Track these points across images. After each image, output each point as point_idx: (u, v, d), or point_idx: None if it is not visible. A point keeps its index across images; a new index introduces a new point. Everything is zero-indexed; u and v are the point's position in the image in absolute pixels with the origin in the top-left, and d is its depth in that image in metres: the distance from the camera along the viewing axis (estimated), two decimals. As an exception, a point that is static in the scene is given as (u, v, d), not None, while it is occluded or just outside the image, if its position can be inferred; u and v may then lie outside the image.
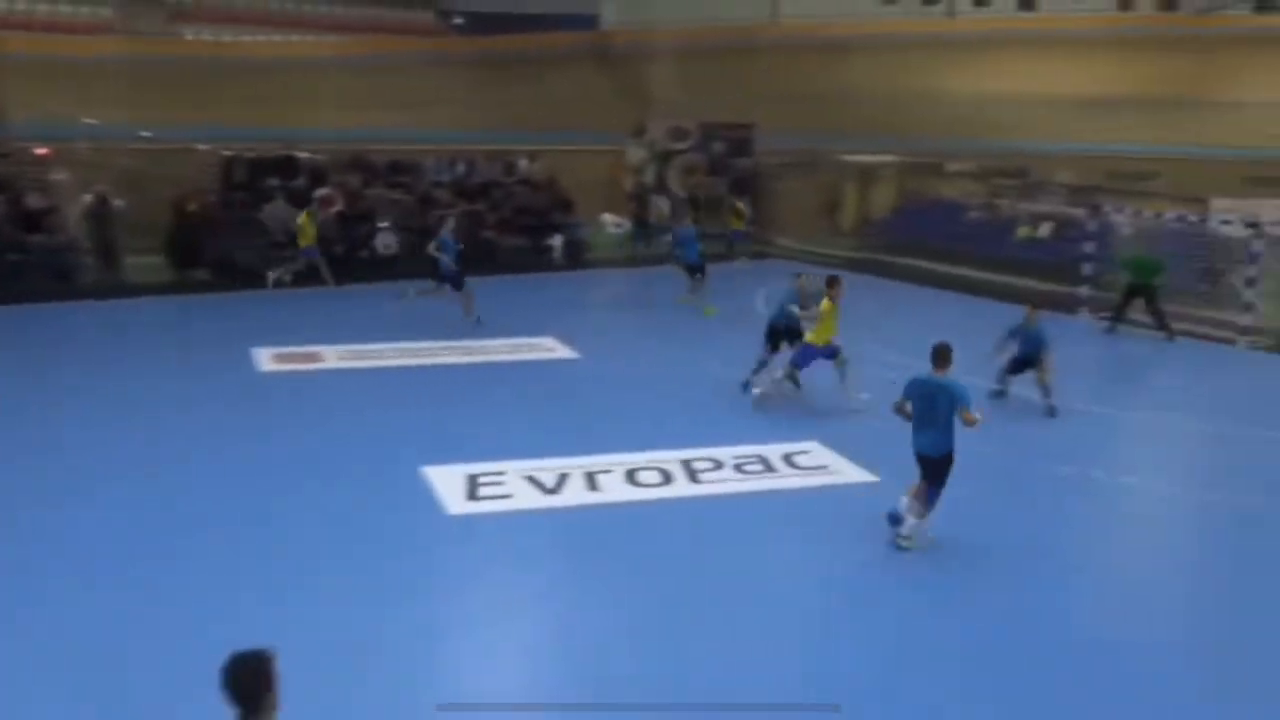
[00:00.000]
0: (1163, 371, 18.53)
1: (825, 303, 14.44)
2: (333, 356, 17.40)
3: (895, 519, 10.29)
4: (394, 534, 10.43)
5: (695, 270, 21.73)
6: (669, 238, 30.17)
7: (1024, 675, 8.19)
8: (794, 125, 32.53)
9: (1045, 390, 14.65)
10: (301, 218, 22.92)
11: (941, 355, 10.04)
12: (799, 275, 16.03)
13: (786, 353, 15.24)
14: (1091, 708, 7.74)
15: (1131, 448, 14.18)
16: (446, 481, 11.69)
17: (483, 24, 40.24)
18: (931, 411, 9.95)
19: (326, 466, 12.22)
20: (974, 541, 10.62)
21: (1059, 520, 11.27)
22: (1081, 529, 11.15)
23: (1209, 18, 37.89)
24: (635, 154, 30.99)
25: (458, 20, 41.33)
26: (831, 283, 14.54)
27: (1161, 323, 19.67)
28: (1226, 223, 20.95)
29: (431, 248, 20.08)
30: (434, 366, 16.99)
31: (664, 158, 30.99)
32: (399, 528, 10.59)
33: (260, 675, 4.20)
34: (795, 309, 15.26)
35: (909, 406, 10.13)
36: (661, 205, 30.61)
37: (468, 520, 10.86)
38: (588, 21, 40.57)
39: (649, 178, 30.83)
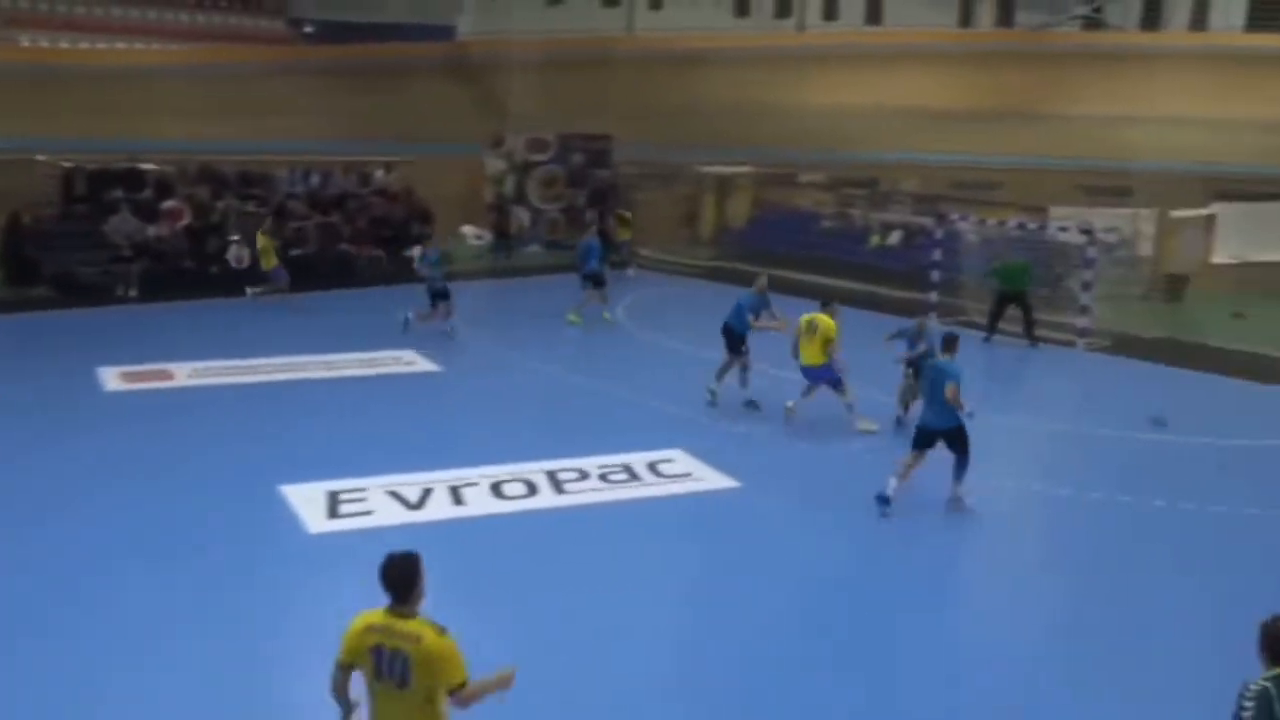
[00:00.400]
0: (1010, 374, 19.24)
1: (829, 321, 14.24)
2: (184, 374, 16.80)
3: (883, 499, 11.41)
4: (251, 556, 10.13)
5: (595, 280, 21.23)
6: (532, 248, 30.22)
7: (886, 680, 8.40)
8: (652, 137, 32.79)
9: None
10: (261, 241, 22.15)
11: (950, 343, 11.55)
12: (760, 276, 16.20)
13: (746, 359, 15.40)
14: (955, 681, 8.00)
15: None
16: (306, 500, 11.42)
17: (335, 33, 39.57)
18: (937, 391, 11.30)
19: (178, 489, 11.79)
20: (825, 533, 10.88)
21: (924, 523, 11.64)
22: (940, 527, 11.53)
23: (1043, 34, 39.57)
24: (494, 165, 30.88)
25: (308, 29, 40.55)
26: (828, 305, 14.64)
27: (1028, 330, 20.12)
28: (1064, 230, 21.91)
29: (417, 266, 20.26)
30: (291, 382, 16.56)
31: (523, 169, 30.95)
32: (257, 549, 10.30)
33: (411, 570, 5.38)
34: (750, 317, 15.38)
35: (923, 387, 11.68)
36: (522, 217, 30.58)
37: (329, 539, 10.62)
38: (443, 32, 40.22)
39: (509, 189, 30.75)
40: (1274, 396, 17.20)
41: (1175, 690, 8.14)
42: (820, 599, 9.72)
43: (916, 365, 13.85)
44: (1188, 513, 11.92)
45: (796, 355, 14.44)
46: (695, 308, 23.85)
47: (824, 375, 14.35)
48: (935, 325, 15.04)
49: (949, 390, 11.13)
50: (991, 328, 20.38)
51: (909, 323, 15.23)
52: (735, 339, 15.50)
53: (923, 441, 11.56)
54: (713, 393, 15.42)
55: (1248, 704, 5.06)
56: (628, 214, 28.33)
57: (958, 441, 11.45)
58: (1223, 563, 10.74)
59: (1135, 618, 9.43)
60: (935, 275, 22.07)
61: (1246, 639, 5.37)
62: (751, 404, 15.24)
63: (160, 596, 9.24)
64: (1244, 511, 11.98)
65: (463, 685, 5.23)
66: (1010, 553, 11.20)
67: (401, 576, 5.33)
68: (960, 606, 9.87)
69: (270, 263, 21.93)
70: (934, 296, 22.08)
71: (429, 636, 5.20)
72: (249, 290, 22.05)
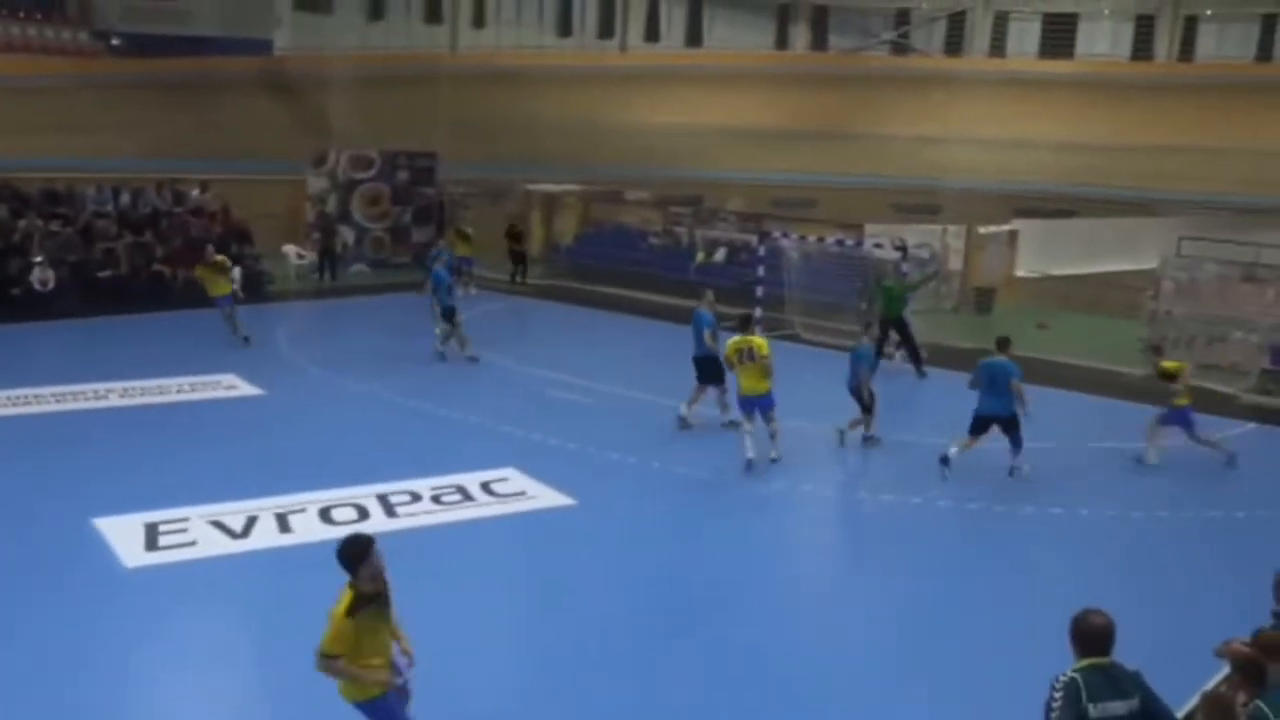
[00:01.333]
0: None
1: (763, 342, 14.00)
2: (-16, 404, 15.81)
3: (945, 460, 13.38)
4: (61, 593, 9.58)
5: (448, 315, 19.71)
6: (357, 267, 29.58)
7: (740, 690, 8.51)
8: (478, 155, 32.61)
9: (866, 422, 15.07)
10: (198, 270, 20.59)
11: (1002, 343, 13.81)
12: (708, 292, 16.05)
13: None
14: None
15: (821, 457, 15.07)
16: (122, 532, 10.89)
17: (144, 46, 37.91)
18: (996, 384, 13.40)
19: (-20, 525, 11.08)
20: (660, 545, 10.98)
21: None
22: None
23: (854, 57, 41.06)
24: (317, 183, 30.14)
25: (115, 41, 38.79)
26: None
27: (913, 354, 19.87)
28: (879, 246, 22.69)
29: (429, 289, 19.72)
30: (104, 410, 15.78)
31: (347, 187, 30.32)
32: (67, 586, 9.74)
33: (352, 551, 6.55)
34: (707, 334, 15.17)
35: (982, 380, 13.55)
36: (346, 236, 29.94)
37: (147, 573, 10.14)
38: (259, 46, 39.02)
39: (332, 207, 30.06)
40: (1075, 402, 18.16)
41: (987, 688, 8.49)
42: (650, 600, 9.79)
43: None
44: (1000, 513, 12.52)
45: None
46: (526, 326, 23.81)
47: (768, 404, 13.77)
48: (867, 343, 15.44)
49: (1014, 384, 13.28)
50: (878, 352, 20.30)
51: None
52: (709, 365, 15.09)
53: (980, 427, 13.50)
54: (683, 419, 15.27)
55: (1057, 694, 5.29)
56: (468, 230, 27.98)
57: (1012, 426, 13.43)
58: (1026, 561, 11.31)
59: (949, 614, 9.82)
60: (760, 291, 22.54)
61: (1049, 632, 5.59)
62: (732, 424, 14.86)
63: (-40, 642, 8.65)
64: (1049, 511, 12.64)
65: (322, 652, 6.31)
66: (840, 552, 11.52)
67: (345, 554, 6.57)
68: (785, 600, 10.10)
69: (218, 291, 20.11)
70: (759, 312, 22.53)
71: (337, 604, 6.37)
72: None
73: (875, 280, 21.34)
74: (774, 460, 13.81)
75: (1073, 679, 5.29)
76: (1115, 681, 5.32)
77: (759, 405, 13.72)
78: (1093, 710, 5.23)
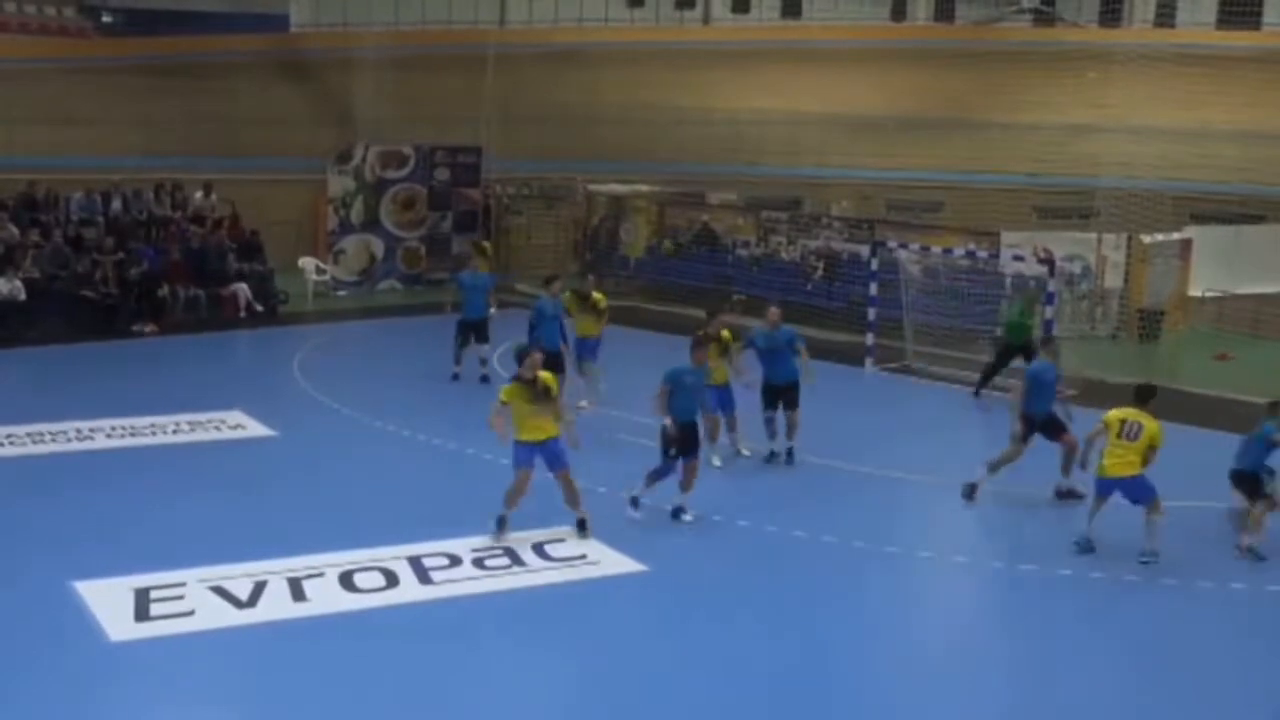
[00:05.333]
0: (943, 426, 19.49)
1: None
2: (-53, 445, 16.19)
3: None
4: (35, 672, 9.70)
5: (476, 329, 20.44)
6: (387, 284, 29.91)
7: None
8: (532, 149, 32.83)
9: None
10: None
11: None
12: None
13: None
14: None
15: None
16: (107, 598, 11.03)
17: (139, 23, 38.82)
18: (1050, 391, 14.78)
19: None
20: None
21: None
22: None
23: (987, 29, 40.78)
24: (340, 184, 30.50)
25: (106, 18, 39.78)
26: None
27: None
28: (1019, 258, 22.36)
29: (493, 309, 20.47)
30: (89, 453, 16.05)
31: (375, 188, 30.65)
32: (43, 663, 9.87)
33: None
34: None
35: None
36: (375, 246, 30.25)
37: (136, 647, 10.25)
38: (273, 23, 39.75)
39: (358, 213, 30.40)
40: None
41: None
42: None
43: None
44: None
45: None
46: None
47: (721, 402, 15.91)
48: None
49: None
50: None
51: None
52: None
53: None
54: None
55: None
56: (485, 243, 28.21)
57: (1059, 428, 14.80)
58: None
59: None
60: (872, 313, 22.38)
61: None
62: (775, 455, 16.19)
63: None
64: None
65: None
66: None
67: None
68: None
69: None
70: (871, 339, 22.36)
71: None
72: None
73: (1026, 301, 21.07)
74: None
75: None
76: None
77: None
78: None
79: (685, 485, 13.84)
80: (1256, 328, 25.75)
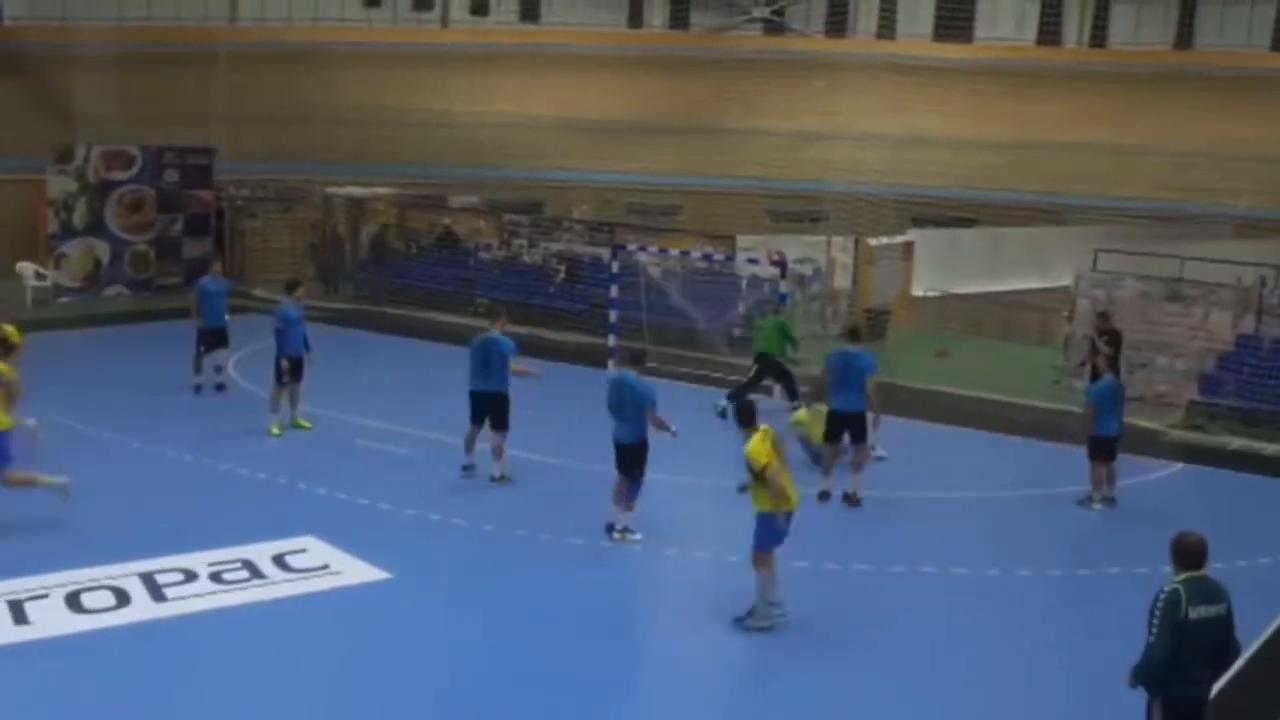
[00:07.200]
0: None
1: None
2: None
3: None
4: None
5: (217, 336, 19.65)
6: (114, 290, 28.72)
7: None
8: (267, 150, 32.12)
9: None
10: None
11: (853, 333, 15.37)
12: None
13: None
14: None
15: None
16: None
17: None
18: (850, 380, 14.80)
19: None
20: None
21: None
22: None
23: (720, 38, 41.79)
24: (60, 185, 29.14)
25: None
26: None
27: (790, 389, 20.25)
28: (753, 260, 23.08)
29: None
30: None
31: (100, 190, 29.41)
32: None
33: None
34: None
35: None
36: (100, 250, 29.06)
37: None
38: (-15, 15, 37.72)
39: (80, 215, 29.11)
40: (972, 440, 18.73)
41: None
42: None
43: None
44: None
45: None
46: (328, 359, 23.34)
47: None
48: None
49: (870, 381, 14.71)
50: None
51: None
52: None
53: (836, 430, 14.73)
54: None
55: (1160, 602, 7.53)
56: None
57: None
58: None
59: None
60: (613, 315, 22.66)
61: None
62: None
63: None
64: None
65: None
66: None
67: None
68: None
69: None
70: (612, 341, 22.64)
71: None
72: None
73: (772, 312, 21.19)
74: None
75: (1175, 589, 7.57)
76: (1209, 590, 7.68)
77: None
78: (1191, 613, 7.51)
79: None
80: (973, 326, 27.11)
